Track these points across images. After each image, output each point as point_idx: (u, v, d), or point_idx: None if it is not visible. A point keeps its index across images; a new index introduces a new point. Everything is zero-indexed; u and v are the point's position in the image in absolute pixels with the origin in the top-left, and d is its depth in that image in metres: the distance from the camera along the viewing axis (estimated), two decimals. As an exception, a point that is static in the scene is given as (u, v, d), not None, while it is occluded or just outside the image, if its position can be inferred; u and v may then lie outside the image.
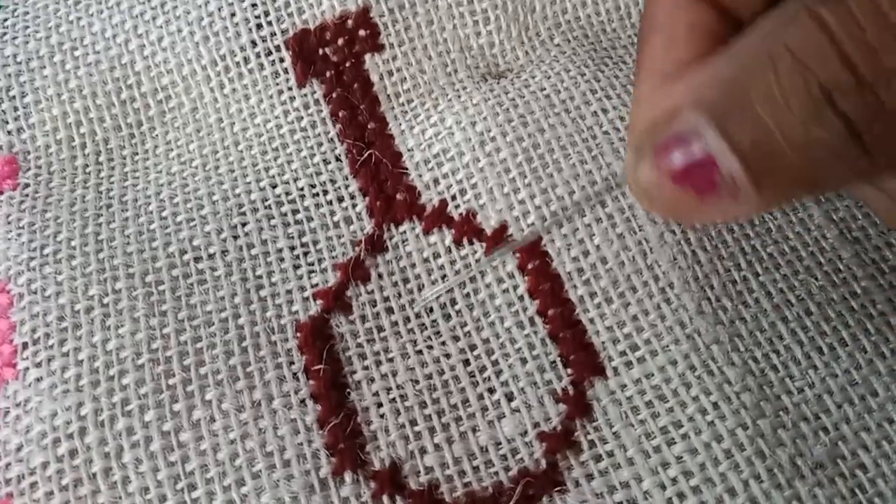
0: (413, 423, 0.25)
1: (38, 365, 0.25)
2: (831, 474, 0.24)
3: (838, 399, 0.26)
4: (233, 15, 0.32)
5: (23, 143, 0.31)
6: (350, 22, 0.32)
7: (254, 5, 0.32)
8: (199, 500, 0.24)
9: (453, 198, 0.29)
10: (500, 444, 0.25)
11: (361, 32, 0.32)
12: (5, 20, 0.33)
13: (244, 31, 0.32)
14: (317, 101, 0.31)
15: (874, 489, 0.24)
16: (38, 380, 0.25)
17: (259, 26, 0.32)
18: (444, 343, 0.27)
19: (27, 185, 0.30)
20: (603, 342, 0.26)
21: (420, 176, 0.30)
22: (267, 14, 0.32)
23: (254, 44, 0.32)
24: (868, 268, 0.28)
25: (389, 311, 0.28)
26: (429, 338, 0.27)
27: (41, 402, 0.25)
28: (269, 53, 0.32)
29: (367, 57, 0.32)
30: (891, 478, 0.25)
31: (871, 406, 0.26)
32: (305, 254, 0.29)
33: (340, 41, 0.32)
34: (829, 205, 0.29)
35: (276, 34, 0.32)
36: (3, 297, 0.26)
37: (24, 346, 0.26)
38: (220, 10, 0.32)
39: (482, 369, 0.26)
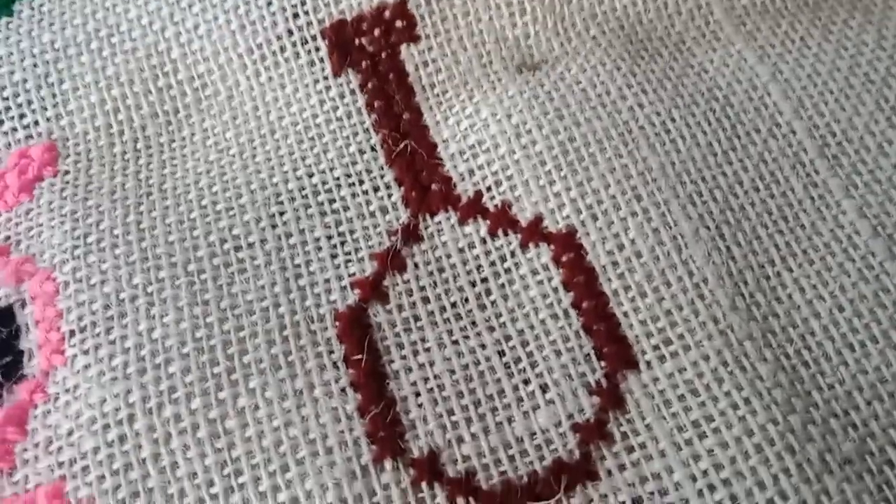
0: (450, 412, 0.26)
1: (86, 352, 0.26)
2: (859, 470, 0.25)
3: (868, 396, 0.26)
4: (269, 4, 0.32)
5: (62, 130, 0.32)
6: (387, 13, 0.32)
7: (290, -6, 0.32)
8: (245, 486, 0.24)
9: (488, 189, 0.30)
10: (534, 434, 0.26)
11: (398, 23, 0.32)
12: (42, 6, 0.33)
13: (280, 20, 0.32)
14: (352, 91, 0.32)
15: (902, 485, 0.25)
16: (87, 367, 0.26)
17: (296, 16, 0.32)
18: (479, 333, 0.27)
19: (67, 172, 0.31)
20: (636, 335, 0.27)
21: (455, 167, 0.30)
22: (304, 3, 0.32)
23: (290, 33, 0.32)
24: (900, 263, 0.28)
25: (426, 300, 0.28)
26: (464, 328, 0.27)
27: (90, 388, 0.25)
28: (306, 42, 0.32)
29: (403, 48, 0.32)
30: (918, 474, 0.25)
31: None
32: (342, 243, 0.29)
33: (377, 31, 0.32)
34: (861, 200, 0.29)
35: (312, 24, 0.32)
36: (50, 285, 0.27)
37: (72, 333, 0.26)
38: (256, -2, 0.32)
39: (517, 360, 0.27)
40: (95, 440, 0.25)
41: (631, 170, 0.29)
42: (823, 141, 0.30)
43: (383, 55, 0.32)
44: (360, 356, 0.26)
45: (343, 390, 0.26)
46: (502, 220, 0.29)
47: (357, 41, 0.32)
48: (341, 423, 0.25)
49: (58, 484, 0.24)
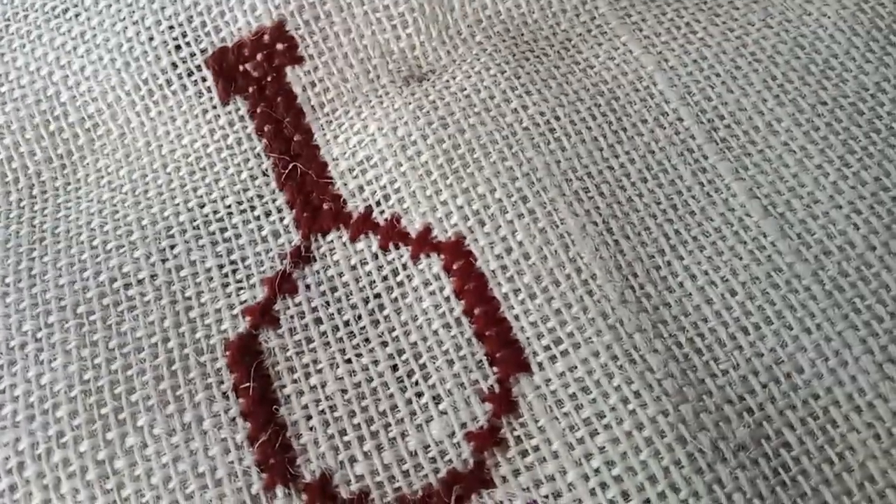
0: (342, 433, 0.26)
1: (-24, 404, 0.26)
2: (754, 455, 0.25)
3: (764, 378, 0.26)
4: (151, 39, 0.32)
5: (-44, 183, 0.32)
6: (266, 37, 0.32)
7: (171, 28, 0.32)
8: (134, 525, 0.25)
9: (378, 204, 0.30)
10: (428, 447, 0.26)
11: (279, 46, 0.32)
12: (-68, 61, 0.34)
13: (163, 53, 0.32)
14: (241, 118, 0.32)
15: (798, 467, 0.25)
16: (-24, 419, 0.26)
17: (178, 48, 0.32)
18: (372, 350, 0.27)
19: (-37, 225, 0.31)
20: (528, 338, 0.27)
21: (345, 184, 0.30)
22: (185, 35, 0.32)
23: (174, 66, 0.32)
24: (793, 242, 0.28)
25: (318, 321, 0.28)
26: (357, 346, 0.28)
27: (-21, 440, 0.26)
28: (191, 74, 0.32)
29: (289, 70, 0.32)
30: (815, 454, 0.25)
31: (796, 383, 0.26)
32: (234, 271, 0.29)
33: (259, 56, 0.32)
34: (751, 181, 0.29)
35: (195, 54, 0.32)
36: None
37: (-37, 386, 0.27)
38: (138, 34, 0.32)
39: (410, 374, 0.27)
40: (-16, 492, 0.25)
41: (516, 172, 0.29)
42: (711, 125, 0.30)
43: (269, 79, 0.32)
44: (248, 384, 0.26)
45: (233, 420, 0.26)
46: (392, 233, 0.29)
47: (241, 67, 0.32)
48: (231, 453, 0.25)
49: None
